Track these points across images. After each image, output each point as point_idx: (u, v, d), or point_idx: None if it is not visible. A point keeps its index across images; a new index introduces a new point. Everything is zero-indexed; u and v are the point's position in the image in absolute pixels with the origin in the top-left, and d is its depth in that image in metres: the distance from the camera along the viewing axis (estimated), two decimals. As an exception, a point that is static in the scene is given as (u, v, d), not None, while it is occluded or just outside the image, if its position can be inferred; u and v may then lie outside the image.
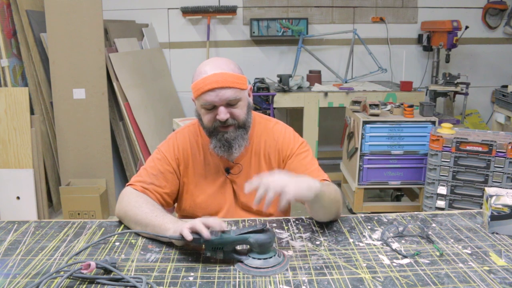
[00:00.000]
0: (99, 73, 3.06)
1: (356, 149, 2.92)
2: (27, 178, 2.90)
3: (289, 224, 1.28)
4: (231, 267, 1.03)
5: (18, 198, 2.91)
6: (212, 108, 1.27)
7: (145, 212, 1.21)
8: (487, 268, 1.01)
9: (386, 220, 1.29)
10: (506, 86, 3.37)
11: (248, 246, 1.05)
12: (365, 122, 2.85)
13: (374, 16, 4.10)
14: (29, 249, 1.13)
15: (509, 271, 1.00)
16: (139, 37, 3.86)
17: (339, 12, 4.10)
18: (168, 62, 4.14)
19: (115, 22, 3.67)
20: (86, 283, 0.96)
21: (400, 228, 1.21)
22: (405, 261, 1.05)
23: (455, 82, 3.43)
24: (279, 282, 0.96)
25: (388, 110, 3.02)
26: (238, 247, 1.09)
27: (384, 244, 1.14)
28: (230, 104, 1.26)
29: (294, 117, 4.09)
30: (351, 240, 1.16)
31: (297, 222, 1.29)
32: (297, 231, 1.23)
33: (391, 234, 1.19)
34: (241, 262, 1.03)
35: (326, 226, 1.26)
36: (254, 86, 3.47)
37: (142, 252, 1.11)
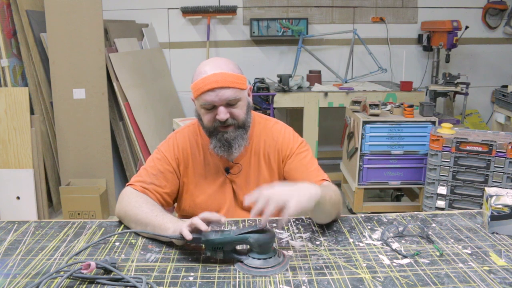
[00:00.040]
0: (99, 73, 3.06)
1: (356, 149, 2.92)
2: (27, 178, 2.90)
3: (289, 224, 1.28)
4: (231, 267, 1.03)
5: (18, 198, 2.91)
6: (212, 108, 1.27)
7: (145, 212, 1.21)
8: (487, 268, 1.01)
9: (386, 220, 1.29)
10: (506, 86, 3.37)
11: (248, 246, 1.05)
12: (365, 122, 2.85)
13: (374, 16, 4.10)
14: (29, 249, 1.13)
15: (509, 271, 1.00)
16: (139, 37, 3.86)
17: (339, 12, 4.10)
18: (168, 62, 4.14)
19: (115, 22, 3.67)
20: (86, 283, 0.96)
21: (400, 228, 1.21)
22: (405, 261, 1.05)
23: (455, 82, 3.43)
24: (279, 282, 0.96)
25: (388, 110, 3.02)
26: (238, 247, 1.09)
27: (384, 244, 1.14)
28: (229, 104, 1.27)
29: (294, 117, 4.09)
30: (351, 240, 1.16)
31: (297, 222, 1.29)
32: (297, 231, 1.23)
33: (391, 234, 1.19)
34: (241, 262, 1.03)
35: (326, 226, 1.26)
36: (254, 86, 3.47)
37: (142, 252, 1.11)
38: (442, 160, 2.51)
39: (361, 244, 1.14)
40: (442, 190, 2.54)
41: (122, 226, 1.28)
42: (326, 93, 3.44)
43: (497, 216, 1.18)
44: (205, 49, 4.04)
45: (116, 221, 1.31)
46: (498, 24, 4.14)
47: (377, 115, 2.87)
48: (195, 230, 1.06)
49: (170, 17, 4.07)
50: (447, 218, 1.31)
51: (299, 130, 3.20)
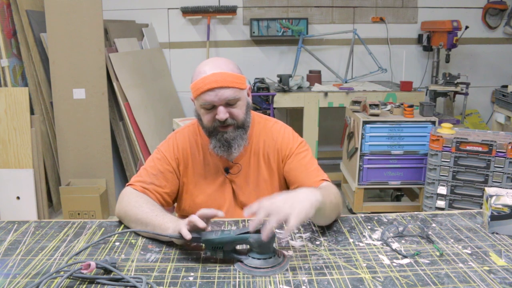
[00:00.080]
0: (99, 73, 3.06)
1: (356, 149, 2.92)
2: (27, 178, 2.90)
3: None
4: (231, 267, 1.03)
5: (18, 198, 2.91)
6: (212, 108, 1.27)
7: (145, 212, 1.21)
8: (487, 268, 1.01)
9: (386, 220, 1.29)
10: (506, 86, 3.37)
11: (248, 246, 1.05)
12: (365, 122, 2.85)
13: (374, 16, 4.10)
14: (29, 249, 1.13)
15: (509, 271, 0.99)
16: (139, 37, 3.86)
17: (339, 12, 4.10)
18: (168, 62, 4.14)
19: (115, 22, 3.67)
20: (86, 283, 0.96)
21: (400, 228, 1.20)
22: (405, 261, 1.05)
23: (455, 82, 3.43)
24: (279, 282, 0.96)
25: (388, 110, 3.02)
26: (238, 247, 1.09)
27: (384, 244, 1.14)
28: (229, 104, 1.27)
29: (294, 117, 4.09)
30: (351, 240, 1.16)
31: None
32: (297, 231, 1.23)
33: (391, 234, 1.19)
34: (241, 261, 1.03)
35: (326, 226, 1.25)
36: (254, 86, 3.47)
37: (142, 252, 1.11)
38: (442, 160, 2.51)
39: (361, 244, 1.14)
40: (442, 190, 2.54)
41: (122, 226, 1.28)
42: (326, 93, 3.44)
43: (497, 216, 1.18)
44: (205, 49, 4.04)
45: (116, 221, 1.31)
46: (498, 24, 4.14)
47: (377, 115, 2.87)
48: (194, 229, 1.06)
49: (170, 17, 4.07)
50: (447, 218, 1.31)
51: (299, 130, 3.20)
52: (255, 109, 3.36)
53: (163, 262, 1.06)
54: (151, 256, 1.09)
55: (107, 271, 0.99)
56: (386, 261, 1.05)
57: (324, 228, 1.24)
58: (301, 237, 1.19)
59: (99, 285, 0.96)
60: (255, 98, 3.38)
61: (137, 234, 1.22)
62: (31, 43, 3.13)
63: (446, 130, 2.54)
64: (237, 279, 0.98)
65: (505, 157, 2.36)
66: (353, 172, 3.02)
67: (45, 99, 3.21)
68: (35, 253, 1.10)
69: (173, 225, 1.11)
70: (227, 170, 1.40)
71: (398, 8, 4.10)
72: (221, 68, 1.26)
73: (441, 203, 2.56)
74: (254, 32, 3.98)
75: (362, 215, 1.33)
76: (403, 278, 0.97)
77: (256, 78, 3.61)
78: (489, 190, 1.23)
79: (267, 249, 1.03)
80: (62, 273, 0.97)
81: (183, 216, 1.44)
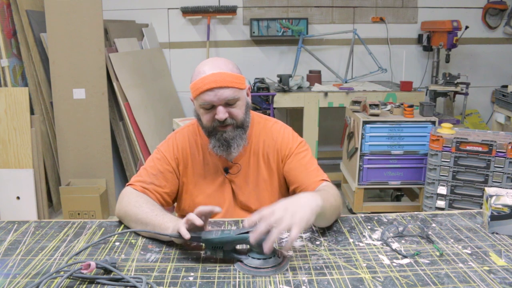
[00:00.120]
0: (99, 73, 3.06)
1: (356, 149, 2.92)
2: (27, 178, 2.90)
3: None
4: (231, 267, 1.03)
5: (18, 198, 2.91)
6: (211, 107, 1.27)
7: (145, 212, 1.21)
8: (487, 268, 1.01)
9: (386, 220, 1.29)
10: (506, 86, 3.37)
11: (248, 246, 1.05)
12: (365, 122, 2.85)
13: (374, 16, 4.10)
14: (29, 249, 1.13)
15: (509, 271, 0.99)
16: (139, 37, 3.86)
17: (339, 12, 4.10)
18: (168, 62, 4.14)
19: (115, 22, 3.67)
20: (86, 283, 0.96)
21: (400, 228, 1.20)
22: (405, 261, 1.05)
23: (455, 82, 3.43)
24: (279, 282, 0.96)
25: (388, 110, 3.02)
26: (238, 247, 1.09)
27: (384, 244, 1.14)
28: (228, 104, 1.27)
29: (294, 117, 4.09)
30: (351, 240, 1.16)
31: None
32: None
33: (391, 234, 1.19)
34: (241, 261, 1.03)
35: (326, 226, 1.25)
36: (254, 86, 3.47)
37: (142, 252, 1.11)
38: (442, 160, 2.51)
39: (361, 244, 1.14)
40: (442, 190, 2.54)
41: (122, 226, 1.28)
42: (326, 93, 3.44)
43: (497, 216, 1.18)
44: (205, 49, 4.04)
45: (116, 221, 1.31)
46: (498, 24, 4.14)
47: (377, 115, 2.87)
48: (194, 228, 1.06)
49: (170, 17, 4.07)
50: (447, 218, 1.31)
51: (299, 130, 3.20)
52: (255, 109, 3.36)
53: (163, 262, 1.06)
54: (151, 256, 1.09)
55: (107, 271, 0.99)
56: (386, 261, 1.05)
57: (324, 228, 1.24)
58: (301, 237, 1.19)
59: (99, 285, 0.96)
60: (255, 98, 3.38)
61: (137, 234, 1.22)
62: (31, 43, 3.13)
63: (446, 130, 2.54)
64: (237, 279, 0.98)
65: (505, 157, 2.36)
66: (353, 172, 3.02)
67: (45, 99, 3.21)
68: (35, 253, 1.10)
69: (172, 224, 1.11)
70: (226, 170, 1.40)
71: (398, 8, 4.10)
72: (221, 68, 1.26)
73: (441, 203, 2.56)
74: (254, 32, 3.98)
75: (362, 215, 1.33)
76: (403, 278, 0.97)
77: (256, 78, 3.61)
78: (489, 190, 1.23)
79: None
80: (62, 273, 0.97)
81: (183, 216, 1.43)
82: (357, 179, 2.94)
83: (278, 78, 3.57)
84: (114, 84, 3.26)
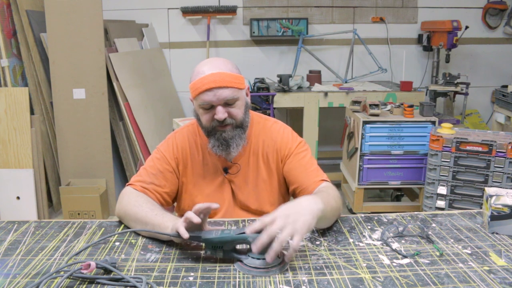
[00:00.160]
0: (99, 73, 3.06)
1: (356, 149, 2.92)
2: (27, 178, 2.90)
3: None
4: (231, 267, 1.03)
5: (18, 198, 2.91)
6: (210, 107, 1.27)
7: (145, 211, 1.21)
8: (487, 268, 1.01)
9: (386, 220, 1.29)
10: (506, 86, 3.37)
11: (248, 246, 1.05)
12: (365, 122, 2.85)
13: (374, 16, 4.10)
14: (29, 249, 1.13)
15: (509, 271, 0.99)
16: (139, 37, 3.86)
17: (339, 12, 4.10)
18: (168, 62, 4.15)
19: (115, 22, 3.67)
20: (86, 283, 0.96)
21: (400, 228, 1.20)
22: (405, 261, 1.05)
23: (455, 82, 3.43)
24: (279, 282, 0.96)
25: (388, 110, 3.02)
26: (238, 247, 1.09)
27: (384, 244, 1.14)
28: (227, 104, 1.27)
29: (294, 117, 4.09)
30: (351, 240, 1.16)
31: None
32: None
33: (391, 234, 1.19)
34: (241, 261, 1.03)
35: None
36: (254, 86, 3.47)
37: (142, 252, 1.11)
38: (442, 160, 2.51)
39: (361, 244, 1.14)
40: (442, 190, 2.54)
41: (122, 226, 1.28)
42: (326, 93, 3.44)
43: (497, 216, 1.18)
44: (205, 49, 4.04)
45: (116, 221, 1.31)
46: (498, 24, 4.14)
47: (377, 115, 2.87)
48: (193, 227, 1.06)
49: (170, 17, 4.07)
50: (447, 218, 1.31)
51: (299, 130, 3.21)
52: (255, 109, 3.36)
53: (163, 262, 1.06)
54: (151, 256, 1.09)
55: (107, 271, 0.99)
56: (386, 261, 1.05)
57: (324, 228, 1.24)
58: (301, 237, 1.19)
59: (99, 285, 0.96)
60: (255, 98, 3.38)
61: (137, 234, 1.22)
62: (31, 43, 3.13)
63: (446, 130, 2.54)
64: (237, 279, 0.98)
65: (505, 157, 2.36)
66: (353, 172, 3.02)
67: (45, 99, 3.21)
68: (35, 253, 1.10)
69: (172, 224, 1.11)
70: (226, 170, 1.40)
71: (398, 8, 4.10)
72: (220, 68, 1.26)
73: (441, 203, 2.56)
74: (254, 32, 3.98)
75: (362, 215, 1.33)
76: (403, 278, 0.97)
77: (256, 78, 3.61)
78: (489, 190, 1.23)
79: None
80: (62, 273, 0.97)
81: (183, 216, 1.44)
82: (357, 179, 2.94)
83: (278, 78, 3.57)
84: (114, 84, 3.26)
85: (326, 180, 1.34)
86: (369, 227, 1.24)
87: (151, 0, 4.02)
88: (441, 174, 2.53)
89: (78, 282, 0.96)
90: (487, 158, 2.41)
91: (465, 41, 3.97)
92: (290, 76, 3.55)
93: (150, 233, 1.17)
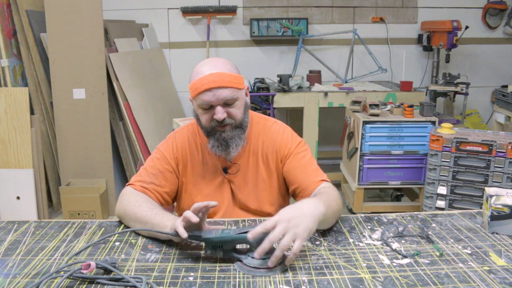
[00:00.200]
0: (99, 73, 3.06)
1: (356, 149, 2.92)
2: (27, 178, 2.90)
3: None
4: (231, 267, 1.03)
5: (18, 198, 2.91)
6: (209, 108, 1.27)
7: (144, 211, 1.21)
8: (487, 268, 1.01)
9: (386, 220, 1.29)
10: (506, 86, 3.37)
11: (248, 246, 1.05)
12: (365, 122, 2.85)
13: (374, 16, 4.10)
14: (29, 249, 1.13)
15: (509, 271, 1.00)
16: (139, 37, 3.86)
17: (339, 12, 4.10)
18: (168, 62, 4.15)
19: (115, 22, 3.67)
20: (86, 283, 0.96)
21: (400, 228, 1.20)
22: (405, 261, 1.05)
23: (455, 82, 3.43)
24: (279, 282, 0.96)
25: (388, 110, 3.02)
26: (238, 246, 1.09)
27: (384, 244, 1.14)
28: (227, 104, 1.27)
29: (294, 117, 4.09)
30: (351, 240, 1.16)
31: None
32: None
33: (391, 234, 1.19)
34: (241, 261, 1.03)
35: (326, 226, 1.26)
36: (254, 86, 3.47)
37: (142, 252, 1.11)
38: (442, 160, 2.51)
39: (361, 244, 1.14)
40: (442, 190, 2.54)
41: (122, 226, 1.28)
42: (326, 93, 3.44)
43: (497, 216, 1.18)
44: (205, 49, 4.04)
45: (116, 221, 1.31)
46: (498, 24, 4.14)
47: (377, 115, 2.87)
48: (193, 226, 1.06)
49: (170, 17, 4.07)
50: (447, 218, 1.31)
51: (299, 130, 3.21)
52: (255, 109, 3.36)
53: (163, 262, 1.06)
54: (151, 256, 1.09)
55: (107, 271, 1.00)
56: (386, 261, 1.05)
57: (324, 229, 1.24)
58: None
59: (99, 285, 0.96)
60: (255, 98, 3.38)
61: (137, 234, 1.22)
62: (31, 43, 3.13)
63: (446, 130, 2.54)
64: (237, 279, 0.98)
65: (505, 157, 2.36)
66: (353, 172, 3.02)
67: (45, 99, 3.21)
68: (35, 253, 1.10)
69: (171, 223, 1.12)
70: (225, 170, 1.40)
71: (398, 8, 4.10)
72: (219, 68, 1.26)
73: (441, 203, 2.56)
74: (254, 32, 3.98)
75: (362, 215, 1.33)
76: (403, 278, 0.97)
77: (256, 78, 3.61)
78: (489, 190, 1.23)
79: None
80: (62, 273, 0.97)
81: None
82: (357, 179, 2.94)
83: (278, 78, 3.57)
84: (114, 84, 3.26)
85: (326, 180, 1.34)
86: (369, 227, 1.24)
87: (151, 0, 4.02)
88: (441, 174, 2.53)
89: (78, 282, 0.96)
90: (487, 158, 2.41)
91: (465, 41, 3.97)
92: (290, 76, 3.55)
93: (150, 232, 1.17)
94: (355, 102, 3.05)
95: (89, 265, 0.96)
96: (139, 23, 4.00)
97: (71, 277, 0.97)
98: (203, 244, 1.09)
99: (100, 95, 3.07)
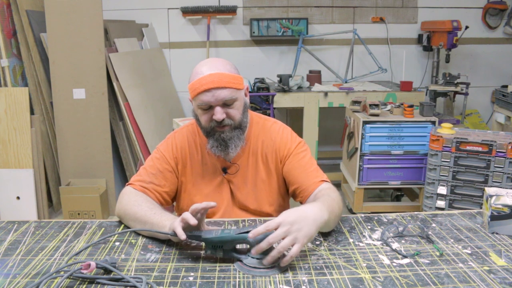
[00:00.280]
0: (99, 73, 3.06)
1: (356, 149, 2.92)
2: (27, 178, 2.90)
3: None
4: (231, 267, 1.03)
5: (18, 198, 2.91)
6: (209, 108, 1.27)
7: (144, 210, 1.21)
8: (487, 268, 1.01)
9: (386, 220, 1.29)
10: (506, 86, 3.37)
11: (248, 246, 1.05)
12: (365, 122, 2.85)
13: (374, 16, 4.10)
14: (29, 249, 1.13)
15: (509, 271, 1.00)
16: (139, 37, 3.86)
17: (339, 12, 4.10)
18: (168, 62, 4.15)
19: (115, 22, 3.67)
20: (86, 283, 0.96)
21: (400, 228, 1.21)
22: (405, 261, 1.05)
23: (455, 82, 3.43)
24: (279, 282, 0.96)
25: (388, 110, 3.02)
26: (238, 246, 1.09)
27: (384, 244, 1.14)
28: (226, 104, 1.27)
29: (294, 117, 4.09)
30: (351, 240, 1.16)
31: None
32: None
33: (391, 234, 1.19)
34: (241, 261, 1.03)
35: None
36: (254, 86, 3.47)
37: (142, 252, 1.11)
38: (442, 160, 2.51)
39: (361, 244, 1.14)
40: (442, 190, 2.54)
41: (122, 226, 1.28)
42: (326, 93, 3.44)
43: (497, 216, 1.18)
44: (205, 49, 4.04)
45: (116, 221, 1.31)
46: (498, 24, 4.14)
47: (377, 115, 2.87)
48: (191, 227, 1.06)
49: (170, 17, 4.07)
50: (447, 218, 1.31)
51: (299, 130, 3.21)
52: (255, 109, 3.36)
53: (163, 262, 1.06)
54: (151, 256, 1.09)
55: (107, 271, 1.00)
56: (386, 261, 1.05)
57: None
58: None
59: (99, 285, 0.96)
60: (255, 98, 3.38)
61: (137, 234, 1.22)
62: (31, 43, 3.13)
63: (446, 130, 2.54)
64: (237, 279, 0.98)
65: (505, 157, 2.36)
66: (353, 172, 3.02)
67: (45, 99, 3.21)
68: (35, 253, 1.10)
69: (170, 223, 1.12)
70: (225, 170, 1.40)
71: (398, 8, 4.10)
72: (218, 68, 1.26)
73: (441, 203, 2.56)
74: (254, 32, 3.98)
75: (362, 215, 1.33)
76: (403, 278, 0.97)
77: (256, 78, 3.61)
78: (489, 190, 1.23)
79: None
80: (62, 273, 0.97)
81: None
82: (357, 179, 2.94)
83: (278, 78, 3.57)
84: (114, 84, 3.26)
85: (326, 181, 1.34)
86: (369, 227, 1.24)
87: (151, 0, 4.02)
88: (441, 174, 2.53)
89: (78, 282, 0.96)
90: (487, 158, 2.41)
91: (465, 41, 3.97)
92: (290, 76, 3.55)
93: (149, 232, 1.17)
94: (355, 102, 3.05)
95: (89, 265, 0.96)
96: (139, 23, 4.00)
97: (71, 277, 0.97)
98: (203, 244, 1.09)
99: (100, 95, 3.07)
